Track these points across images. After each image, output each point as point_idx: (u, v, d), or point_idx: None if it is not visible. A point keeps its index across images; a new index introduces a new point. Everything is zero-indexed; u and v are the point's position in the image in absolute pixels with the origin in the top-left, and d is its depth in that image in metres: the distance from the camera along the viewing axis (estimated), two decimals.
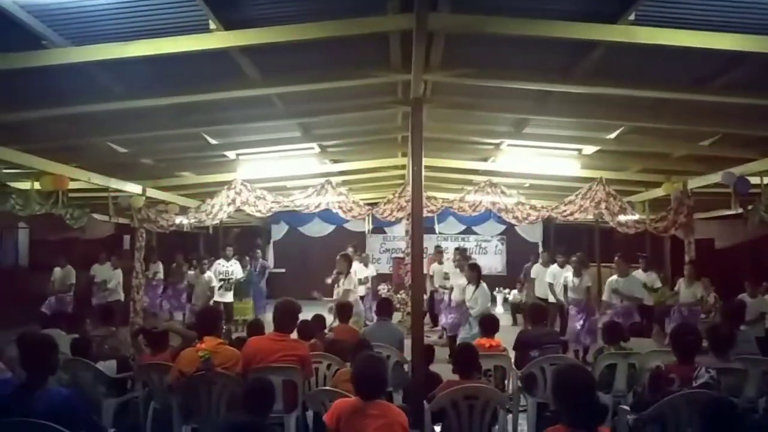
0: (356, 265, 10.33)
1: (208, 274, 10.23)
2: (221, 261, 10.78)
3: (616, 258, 8.92)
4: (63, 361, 4.70)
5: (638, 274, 9.27)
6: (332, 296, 8.56)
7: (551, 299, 9.54)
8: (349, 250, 10.20)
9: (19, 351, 3.23)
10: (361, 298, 10.08)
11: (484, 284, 7.77)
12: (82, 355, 5.15)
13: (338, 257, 8.77)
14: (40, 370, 3.14)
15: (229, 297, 10.49)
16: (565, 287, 9.03)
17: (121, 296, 10.44)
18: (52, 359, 3.25)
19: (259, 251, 12.89)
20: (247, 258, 11.80)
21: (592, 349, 7.97)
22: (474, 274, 7.81)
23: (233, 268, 10.72)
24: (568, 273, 9.08)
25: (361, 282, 10.54)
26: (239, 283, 10.93)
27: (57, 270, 10.31)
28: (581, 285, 8.67)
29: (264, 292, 12.61)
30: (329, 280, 8.78)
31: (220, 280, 10.37)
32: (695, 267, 8.45)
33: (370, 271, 12.17)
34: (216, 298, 10.06)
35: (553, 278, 9.62)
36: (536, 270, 10.92)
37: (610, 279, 8.83)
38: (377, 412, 3.11)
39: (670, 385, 3.90)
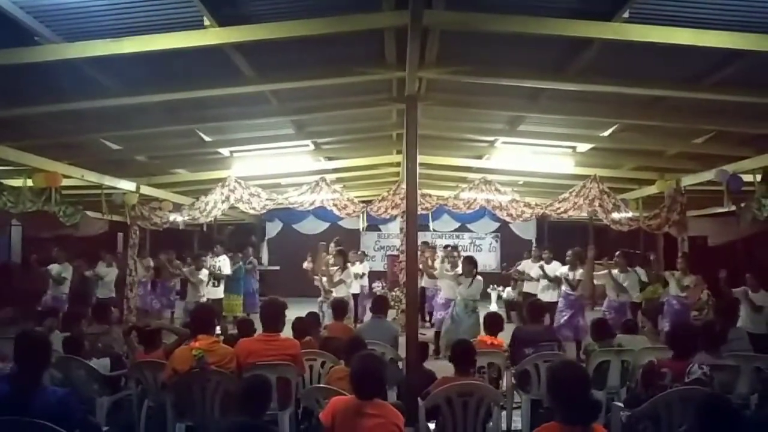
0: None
1: (204, 271, 9.96)
2: (209, 257, 10.45)
3: (616, 255, 8.88)
4: (56, 359, 4.67)
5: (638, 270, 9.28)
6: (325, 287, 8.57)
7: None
8: (331, 246, 10.04)
9: (15, 348, 3.21)
10: (355, 296, 10.06)
11: (479, 277, 7.81)
12: (75, 352, 5.12)
13: (334, 252, 8.73)
14: (34, 368, 3.13)
15: (219, 293, 10.35)
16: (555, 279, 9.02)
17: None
18: (45, 357, 3.24)
19: (251, 249, 12.74)
20: (240, 255, 11.68)
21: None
22: (470, 267, 7.82)
23: (221, 264, 10.53)
24: (562, 268, 9.05)
25: (358, 276, 10.50)
26: (228, 279, 10.84)
27: None
28: (573, 279, 8.59)
29: (257, 290, 12.46)
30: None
31: (209, 275, 10.05)
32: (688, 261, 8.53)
33: (365, 268, 12.05)
34: (208, 295, 9.85)
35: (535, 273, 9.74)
36: (525, 266, 10.98)
37: (612, 272, 8.82)
38: (374, 411, 3.09)
39: (662, 379, 3.92)
